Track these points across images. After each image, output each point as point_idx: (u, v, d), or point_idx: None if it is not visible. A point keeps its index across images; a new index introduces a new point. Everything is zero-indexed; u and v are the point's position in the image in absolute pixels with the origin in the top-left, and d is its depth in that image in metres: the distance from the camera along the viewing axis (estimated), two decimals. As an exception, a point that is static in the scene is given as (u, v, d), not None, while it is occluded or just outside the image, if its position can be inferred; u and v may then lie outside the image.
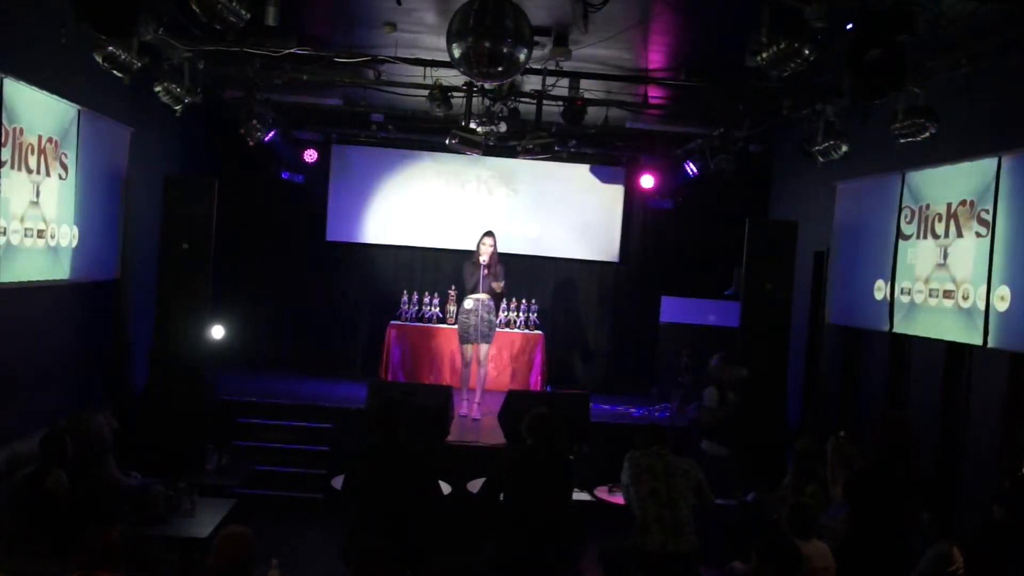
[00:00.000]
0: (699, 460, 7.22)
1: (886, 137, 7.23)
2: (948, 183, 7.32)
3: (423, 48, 8.53)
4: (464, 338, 10.19)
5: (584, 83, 9.14)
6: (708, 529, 6.72)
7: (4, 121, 6.03)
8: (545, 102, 9.12)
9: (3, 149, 6.06)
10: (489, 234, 10.17)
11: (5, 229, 6.19)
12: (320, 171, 12.70)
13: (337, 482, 6.65)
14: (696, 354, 9.56)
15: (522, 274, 12.58)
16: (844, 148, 8.22)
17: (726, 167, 10.40)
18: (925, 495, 5.65)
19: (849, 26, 5.53)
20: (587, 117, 9.29)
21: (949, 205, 7.23)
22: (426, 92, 8.93)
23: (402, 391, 8.39)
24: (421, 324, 11.97)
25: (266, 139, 10.30)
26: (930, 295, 7.41)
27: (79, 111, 7.33)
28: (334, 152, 12.84)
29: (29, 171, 6.50)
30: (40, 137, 6.64)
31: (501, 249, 10.34)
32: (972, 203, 6.93)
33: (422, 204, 12.95)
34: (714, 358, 9.28)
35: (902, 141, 7.07)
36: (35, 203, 6.63)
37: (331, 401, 10.21)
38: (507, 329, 11.87)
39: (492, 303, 10.25)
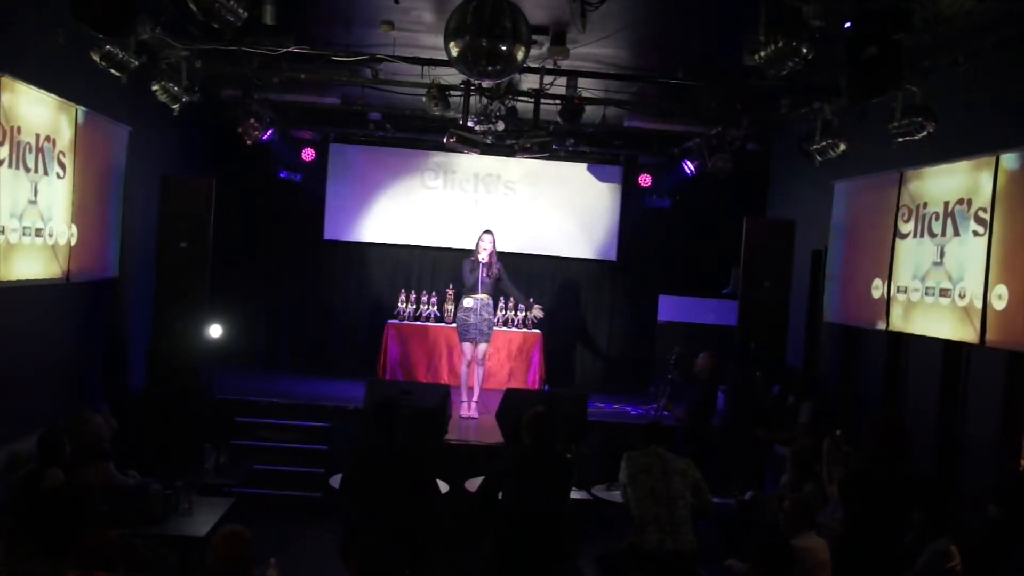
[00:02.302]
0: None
1: (884, 136, 7.22)
2: (945, 181, 7.32)
3: (421, 47, 8.53)
4: (464, 336, 10.20)
5: (582, 82, 9.15)
6: (706, 528, 6.74)
7: (2, 120, 6.03)
8: (543, 101, 9.12)
9: (1, 148, 6.05)
10: (488, 232, 10.17)
11: (3, 228, 6.18)
12: (318, 170, 12.70)
13: (335, 481, 6.66)
14: (691, 352, 9.59)
15: (520, 273, 12.56)
16: (842, 147, 8.23)
17: (724, 166, 10.41)
18: (919, 494, 5.66)
19: (847, 25, 5.54)
20: (585, 116, 9.29)
21: (946, 204, 7.23)
22: (424, 91, 8.93)
23: (400, 390, 8.39)
24: (419, 323, 11.97)
25: (264, 138, 10.30)
26: (927, 293, 7.41)
27: (77, 110, 7.32)
28: (332, 151, 12.84)
29: (27, 170, 6.49)
30: (38, 136, 6.63)
31: (499, 248, 10.34)
32: (969, 201, 6.93)
33: (420, 203, 12.95)
34: (700, 356, 9.31)
35: (900, 140, 7.07)
36: (33, 202, 6.62)
37: (329, 400, 10.20)
38: (505, 328, 11.87)
39: (491, 303, 10.26)
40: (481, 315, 10.08)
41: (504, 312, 11.95)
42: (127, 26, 5.74)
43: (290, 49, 8.03)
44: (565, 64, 8.48)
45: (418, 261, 13.04)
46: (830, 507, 6.37)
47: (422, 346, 11.87)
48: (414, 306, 12.07)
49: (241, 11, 5.35)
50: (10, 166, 6.23)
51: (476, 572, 6.26)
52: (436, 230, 12.90)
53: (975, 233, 6.80)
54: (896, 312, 7.91)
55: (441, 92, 8.84)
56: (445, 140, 9.55)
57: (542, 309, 11.87)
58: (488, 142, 10.01)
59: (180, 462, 7.56)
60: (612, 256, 13.18)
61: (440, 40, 5.40)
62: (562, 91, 9.15)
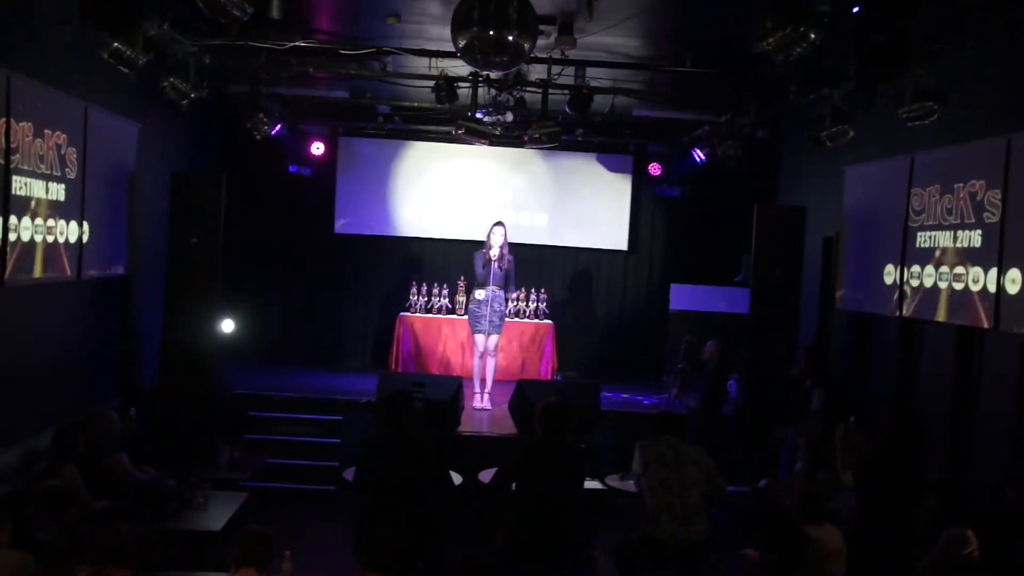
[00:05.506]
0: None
1: (894, 120, 7.19)
2: (957, 165, 7.28)
3: (428, 39, 8.52)
4: (476, 328, 10.19)
5: (590, 71, 9.13)
6: (721, 517, 6.73)
7: (12, 119, 6.04)
8: (551, 91, 9.11)
9: (11, 147, 6.06)
10: (499, 224, 10.14)
11: (16, 227, 6.20)
12: (327, 164, 12.70)
13: (349, 474, 6.67)
14: (701, 341, 9.59)
15: (531, 264, 12.57)
16: (851, 133, 8.19)
17: (733, 153, 10.37)
18: (933, 481, 5.65)
19: (855, 10, 5.51)
20: (593, 105, 9.26)
21: (959, 188, 7.20)
22: (432, 83, 8.92)
23: (412, 382, 8.40)
24: (431, 315, 11.97)
25: (273, 133, 10.30)
26: (940, 278, 7.38)
27: (86, 107, 7.34)
28: (341, 144, 12.84)
29: (37, 168, 6.51)
30: (47, 134, 6.65)
31: (509, 239, 10.31)
32: (982, 185, 6.89)
33: (429, 195, 12.95)
34: (708, 344, 9.31)
35: (910, 124, 7.04)
36: (43, 200, 6.64)
37: (341, 394, 10.21)
38: (517, 319, 11.86)
39: (503, 294, 10.23)
40: (493, 307, 10.06)
41: (516, 303, 11.94)
42: (133, 24, 5.76)
43: (297, 43, 8.03)
44: (573, 54, 8.45)
45: (428, 253, 13.04)
46: (844, 495, 6.35)
47: (434, 338, 11.88)
48: (425, 299, 12.07)
49: (247, 6, 5.36)
50: (21, 165, 6.25)
51: (489, 563, 6.27)
52: (446, 222, 12.90)
53: (988, 216, 6.77)
54: (909, 298, 7.88)
55: (449, 84, 8.84)
56: (454, 132, 9.55)
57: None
58: (497, 133, 10.01)
59: (194, 457, 7.59)
60: (623, 245, 13.15)
61: (447, 32, 5.40)
62: (570, 81, 9.13)
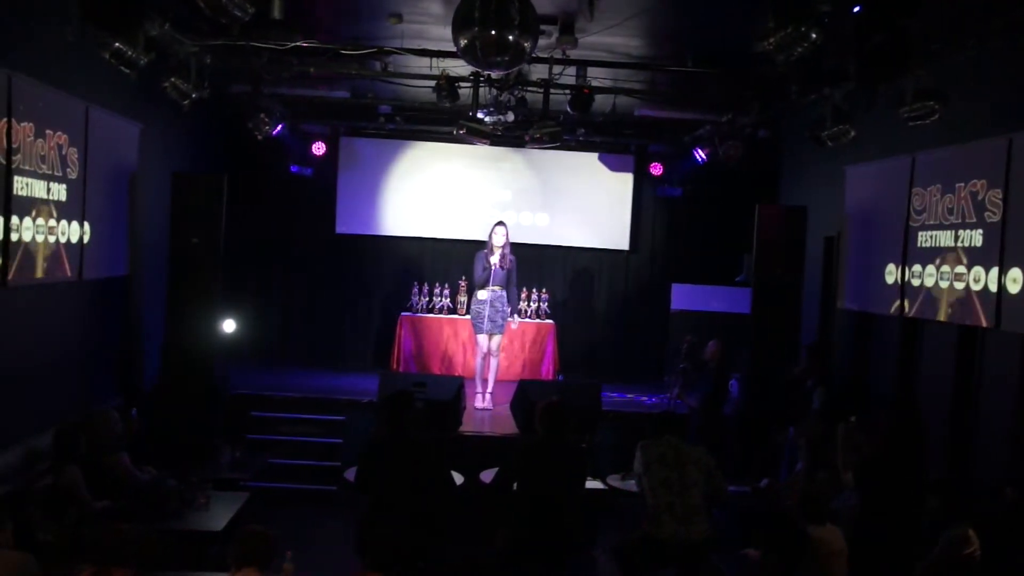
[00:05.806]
0: None
1: (895, 120, 7.19)
2: (959, 165, 7.28)
3: (429, 39, 8.52)
4: (478, 328, 10.19)
5: (591, 71, 9.12)
6: (722, 517, 6.73)
7: (13, 119, 6.05)
8: (552, 91, 9.11)
9: (13, 147, 6.07)
10: (501, 224, 10.14)
11: (17, 227, 6.21)
12: (328, 164, 12.71)
13: (351, 474, 6.68)
14: (702, 341, 9.60)
15: (532, 264, 12.57)
16: (852, 132, 8.19)
17: (735, 153, 10.37)
18: (934, 480, 5.64)
19: (856, 9, 5.51)
20: (595, 105, 9.26)
21: (960, 187, 7.20)
22: (433, 83, 8.92)
23: (413, 382, 8.40)
24: (432, 315, 11.97)
25: (274, 133, 10.30)
26: (941, 278, 7.38)
27: (87, 108, 7.34)
28: (342, 144, 12.84)
29: (38, 169, 6.52)
30: (49, 135, 6.66)
31: (511, 239, 10.31)
32: (983, 185, 6.89)
33: (431, 195, 12.93)
34: (709, 344, 9.30)
35: (911, 124, 7.03)
36: (44, 201, 6.65)
37: (343, 394, 10.21)
38: (518, 319, 11.84)
39: (504, 295, 10.22)
40: (495, 307, 10.06)
41: (519, 303, 11.91)
42: (134, 24, 5.76)
43: (298, 43, 8.03)
44: (574, 53, 8.46)
45: (430, 253, 13.04)
46: (845, 494, 6.35)
47: (436, 338, 11.88)
48: (427, 299, 12.07)
49: (248, 6, 5.36)
50: (22, 165, 6.25)
51: (490, 563, 6.26)
52: (448, 222, 12.89)
53: (989, 216, 6.77)
54: (910, 297, 7.87)
55: (450, 84, 8.83)
56: (455, 132, 9.54)
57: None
58: (498, 133, 10.00)
59: (195, 457, 7.59)
60: (624, 245, 13.15)
61: (448, 32, 5.39)
62: (571, 81, 9.13)
